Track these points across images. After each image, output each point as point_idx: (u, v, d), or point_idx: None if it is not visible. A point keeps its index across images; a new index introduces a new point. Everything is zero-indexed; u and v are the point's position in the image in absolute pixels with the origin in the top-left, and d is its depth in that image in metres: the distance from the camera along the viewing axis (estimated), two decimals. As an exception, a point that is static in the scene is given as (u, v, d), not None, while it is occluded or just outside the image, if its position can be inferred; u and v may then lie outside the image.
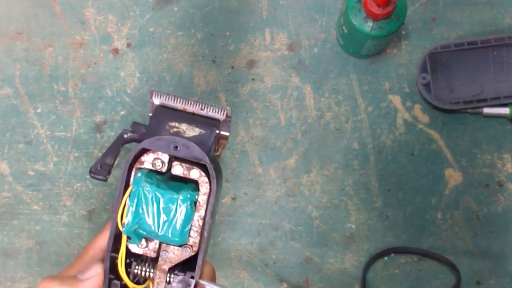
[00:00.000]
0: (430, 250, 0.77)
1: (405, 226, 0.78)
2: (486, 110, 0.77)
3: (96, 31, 0.80)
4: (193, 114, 0.49)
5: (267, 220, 0.79)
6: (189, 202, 0.46)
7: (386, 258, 0.78)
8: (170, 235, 0.46)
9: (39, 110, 0.79)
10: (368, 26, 0.70)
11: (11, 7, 0.80)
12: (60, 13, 0.80)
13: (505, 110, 0.77)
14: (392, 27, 0.70)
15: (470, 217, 0.78)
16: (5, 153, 0.79)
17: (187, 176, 0.46)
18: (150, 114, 0.49)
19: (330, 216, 0.79)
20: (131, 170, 0.47)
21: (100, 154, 0.79)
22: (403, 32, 0.79)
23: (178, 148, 0.46)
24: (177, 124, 0.47)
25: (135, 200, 0.45)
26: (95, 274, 0.46)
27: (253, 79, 0.79)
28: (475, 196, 0.78)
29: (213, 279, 0.49)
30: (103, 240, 0.48)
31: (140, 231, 0.46)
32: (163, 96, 0.49)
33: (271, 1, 0.80)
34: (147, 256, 0.47)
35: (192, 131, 0.48)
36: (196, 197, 0.46)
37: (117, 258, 0.47)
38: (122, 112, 0.79)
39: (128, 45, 0.80)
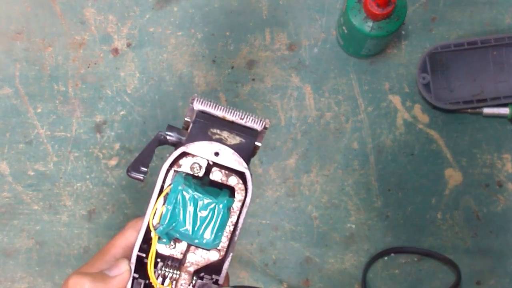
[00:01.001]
0: (429, 249, 0.77)
1: (405, 226, 0.78)
2: (486, 110, 0.77)
3: (96, 31, 0.80)
4: (232, 122, 0.49)
5: (267, 220, 0.79)
6: (226, 208, 0.47)
7: (386, 258, 0.78)
8: (203, 238, 0.47)
9: (39, 110, 0.79)
10: (368, 26, 0.70)
11: (11, 7, 0.80)
12: (60, 13, 0.80)
13: (505, 110, 0.77)
14: (392, 27, 0.70)
15: (470, 217, 0.78)
16: (5, 153, 0.79)
17: (224, 182, 0.47)
18: (186, 119, 0.49)
19: (330, 216, 0.79)
20: (168, 172, 0.47)
21: (100, 154, 0.79)
22: (403, 32, 0.79)
23: (219, 154, 0.47)
24: (219, 131, 0.48)
25: (173, 201, 0.46)
26: (124, 270, 0.47)
27: (253, 79, 0.79)
28: (475, 196, 0.78)
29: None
30: (123, 239, 0.49)
31: (173, 232, 0.47)
32: (205, 103, 0.49)
33: (271, 1, 0.80)
34: (172, 258, 0.48)
35: (233, 139, 0.48)
36: (232, 203, 0.47)
37: (143, 258, 0.47)
38: (122, 112, 0.79)
39: (128, 45, 0.80)
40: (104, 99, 0.79)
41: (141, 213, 0.80)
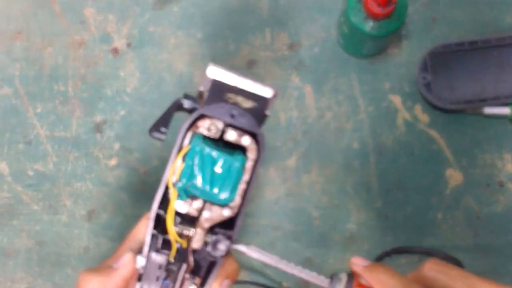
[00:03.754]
0: (433, 248, 0.77)
1: (405, 226, 0.78)
2: (487, 110, 0.77)
3: (96, 31, 0.80)
4: (244, 90, 0.53)
5: (267, 220, 0.79)
6: (241, 166, 0.50)
7: (386, 258, 0.78)
8: (219, 195, 0.50)
9: (39, 110, 0.79)
10: (368, 26, 0.70)
11: (11, 7, 0.80)
12: (59, 13, 0.80)
13: (505, 110, 0.77)
14: (392, 27, 0.70)
15: (471, 217, 0.78)
16: (5, 153, 0.79)
17: (238, 142, 0.51)
18: (201, 87, 0.53)
19: (330, 216, 0.79)
20: (187, 133, 0.51)
21: (100, 154, 0.79)
22: (403, 32, 0.79)
23: (235, 116, 0.50)
24: (233, 96, 0.52)
25: (191, 160, 0.49)
26: (127, 261, 0.50)
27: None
28: (476, 196, 0.78)
29: (235, 278, 0.52)
30: (138, 231, 0.53)
31: (190, 189, 0.50)
32: (219, 71, 0.53)
33: (271, 1, 0.80)
34: (188, 215, 0.50)
35: (246, 103, 0.52)
36: (246, 161, 0.50)
37: (162, 214, 0.50)
38: (122, 112, 0.79)
39: (128, 45, 0.80)
40: (104, 99, 0.79)
41: (141, 213, 0.80)
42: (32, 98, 0.80)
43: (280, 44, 0.79)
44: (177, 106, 0.54)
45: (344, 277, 0.58)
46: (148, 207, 0.81)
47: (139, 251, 0.52)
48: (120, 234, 0.79)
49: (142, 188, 0.79)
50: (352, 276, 0.58)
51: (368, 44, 0.73)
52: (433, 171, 0.78)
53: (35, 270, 0.79)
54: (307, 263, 0.78)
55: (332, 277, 0.58)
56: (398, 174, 0.78)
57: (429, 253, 0.77)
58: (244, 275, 0.78)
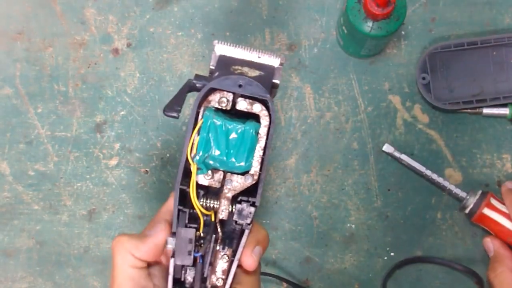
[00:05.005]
0: (453, 261, 0.77)
1: (405, 226, 0.78)
2: (486, 110, 0.77)
3: (96, 31, 0.80)
4: (251, 61, 0.54)
5: (267, 220, 0.79)
6: (254, 131, 0.51)
7: (386, 258, 0.78)
8: (237, 162, 0.51)
9: (39, 110, 0.80)
10: (368, 26, 0.70)
11: (11, 7, 0.80)
12: (60, 13, 0.80)
13: (504, 110, 0.77)
14: (391, 27, 0.70)
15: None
16: (6, 153, 0.79)
17: (249, 111, 0.51)
18: (211, 65, 0.54)
19: (330, 216, 0.79)
20: (200, 108, 0.51)
21: (100, 154, 0.79)
22: (402, 32, 0.79)
23: (242, 86, 0.51)
24: (240, 67, 0.53)
25: (206, 132, 0.50)
26: (160, 230, 0.52)
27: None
28: (475, 196, 0.78)
29: (266, 244, 0.53)
30: (169, 204, 0.54)
31: (209, 161, 0.51)
32: (225, 46, 0.54)
33: (271, 1, 0.80)
34: (211, 187, 0.52)
35: (253, 72, 0.52)
36: (259, 128, 0.51)
37: (185, 189, 0.51)
38: (122, 112, 0.79)
39: (128, 45, 0.80)
40: (104, 99, 0.80)
41: (141, 213, 0.80)
42: (33, 98, 0.80)
43: (280, 44, 0.80)
44: (189, 87, 0.54)
45: (478, 194, 0.73)
46: (149, 207, 0.81)
47: (171, 223, 0.52)
48: (120, 234, 0.79)
49: (142, 188, 0.79)
50: (485, 195, 0.73)
51: (368, 45, 0.74)
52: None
53: (36, 270, 0.79)
54: (307, 263, 0.78)
55: (469, 191, 0.74)
56: (397, 174, 0.79)
57: (450, 266, 0.77)
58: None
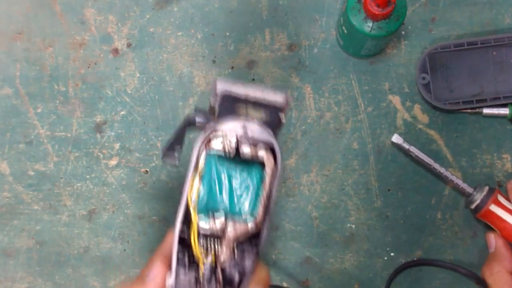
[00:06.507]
0: (459, 265, 0.77)
1: (405, 226, 0.78)
2: (486, 110, 0.77)
3: (96, 31, 0.80)
4: (256, 98, 0.52)
5: (267, 220, 0.79)
6: (259, 179, 0.49)
7: (386, 258, 0.78)
8: (240, 210, 0.49)
9: (39, 110, 0.80)
10: (368, 26, 0.70)
11: (11, 7, 0.80)
12: (60, 13, 0.80)
13: (504, 110, 0.77)
14: (391, 27, 0.70)
15: (470, 217, 0.78)
16: (6, 153, 0.79)
17: (254, 156, 0.50)
18: (211, 99, 0.52)
19: (330, 216, 0.79)
20: (201, 151, 0.50)
21: (100, 154, 0.79)
22: (402, 32, 0.79)
23: (247, 129, 0.50)
24: (244, 108, 0.51)
25: (208, 178, 0.49)
26: (157, 273, 0.51)
27: (253, 79, 0.79)
28: (475, 196, 0.78)
29: (267, 283, 0.52)
30: (167, 245, 0.52)
31: (210, 206, 0.49)
32: (228, 83, 0.52)
33: (271, 1, 0.80)
34: (212, 231, 0.50)
35: (258, 114, 0.51)
36: (264, 174, 0.50)
37: (186, 234, 0.50)
38: (122, 112, 0.79)
39: (128, 45, 0.80)
40: (104, 99, 0.80)
41: (141, 213, 0.80)
42: (33, 98, 0.80)
43: (280, 44, 0.80)
44: (188, 123, 0.52)
45: (485, 190, 0.73)
46: (149, 207, 0.81)
47: (170, 263, 0.51)
48: (120, 234, 0.79)
49: (142, 188, 0.79)
50: (493, 191, 0.72)
51: (368, 45, 0.74)
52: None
53: (36, 270, 0.79)
54: (307, 263, 0.78)
55: (476, 187, 0.74)
56: (397, 174, 0.79)
57: (453, 269, 0.77)
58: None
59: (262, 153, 0.49)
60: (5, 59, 0.80)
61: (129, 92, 0.80)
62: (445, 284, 0.78)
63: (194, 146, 0.49)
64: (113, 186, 0.79)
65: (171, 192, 0.79)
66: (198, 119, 0.52)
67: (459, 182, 0.75)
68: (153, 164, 0.79)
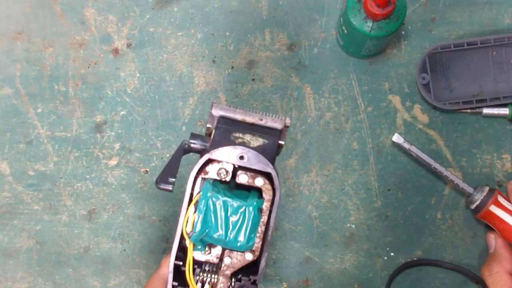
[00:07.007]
0: (460, 265, 0.77)
1: (405, 226, 0.78)
2: (486, 110, 0.77)
3: (96, 31, 0.80)
4: (253, 124, 0.50)
5: (267, 220, 0.79)
6: (256, 209, 0.47)
7: (386, 258, 0.78)
8: (237, 241, 0.48)
9: (39, 110, 0.80)
10: (368, 26, 0.70)
11: (11, 7, 0.80)
12: (60, 13, 0.80)
13: (504, 110, 0.77)
14: (391, 27, 0.70)
15: (470, 217, 0.78)
16: (6, 153, 0.79)
17: (251, 184, 0.48)
18: (208, 125, 0.50)
19: (330, 216, 0.79)
20: (196, 180, 0.48)
21: (100, 154, 0.79)
22: (402, 32, 0.79)
23: (244, 158, 0.48)
24: (241, 135, 0.49)
25: (204, 209, 0.47)
26: None
27: (253, 79, 0.79)
28: (475, 196, 0.78)
29: None
30: (161, 273, 0.51)
31: (207, 238, 0.48)
32: (224, 108, 0.50)
33: (271, 1, 0.80)
34: (209, 263, 0.49)
35: (256, 141, 0.49)
36: (262, 203, 0.48)
37: (180, 266, 0.48)
38: (122, 112, 0.79)
39: (128, 45, 0.80)
40: (104, 99, 0.80)
41: (141, 213, 0.80)
42: (33, 98, 0.80)
43: (280, 44, 0.80)
44: (183, 150, 0.51)
45: (485, 190, 0.73)
46: (149, 207, 0.81)
47: None
48: (120, 234, 0.79)
49: (142, 188, 0.79)
50: (493, 192, 0.72)
51: (368, 45, 0.74)
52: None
53: (36, 270, 0.79)
54: (307, 263, 0.78)
55: (477, 187, 0.74)
56: (397, 174, 0.79)
57: (452, 269, 0.77)
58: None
59: (260, 181, 0.48)
60: (5, 59, 0.80)
61: (129, 92, 0.80)
62: (445, 284, 0.78)
63: (190, 174, 0.47)
64: (113, 186, 0.79)
65: (171, 192, 0.79)
66: (194, 144, 0.50)
67: (459, 182, 0.75)
68: (153, 164, 0.79)
